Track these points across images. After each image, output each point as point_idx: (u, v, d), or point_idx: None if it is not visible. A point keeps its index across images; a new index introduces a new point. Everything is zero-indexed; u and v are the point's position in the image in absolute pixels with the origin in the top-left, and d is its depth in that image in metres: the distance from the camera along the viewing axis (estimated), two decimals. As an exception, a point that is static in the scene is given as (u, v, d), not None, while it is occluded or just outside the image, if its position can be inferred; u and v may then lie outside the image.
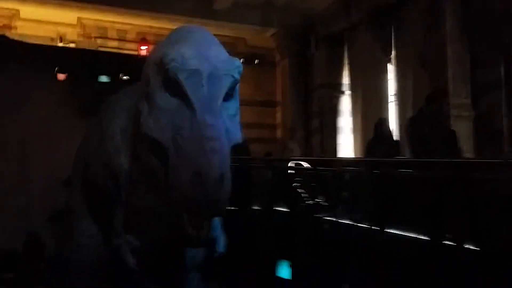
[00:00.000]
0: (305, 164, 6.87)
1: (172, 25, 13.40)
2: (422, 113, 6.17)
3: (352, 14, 11.74)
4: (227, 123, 2.23)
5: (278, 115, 14.15)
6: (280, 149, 10.93)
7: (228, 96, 2.26)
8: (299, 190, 5.92)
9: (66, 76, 9.02)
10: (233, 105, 2.35)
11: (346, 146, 12.52)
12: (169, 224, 2.60)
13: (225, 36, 13.55)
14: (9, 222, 7.49)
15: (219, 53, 2.32)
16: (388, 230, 4.94)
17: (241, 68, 2.30)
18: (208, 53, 2.26)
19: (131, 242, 2.75)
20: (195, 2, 12.16)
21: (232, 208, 6.53)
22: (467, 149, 7.59)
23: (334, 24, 12.47)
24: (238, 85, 2.37)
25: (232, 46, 13.93)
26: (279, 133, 14.00)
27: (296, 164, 6.94)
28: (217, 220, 3.14)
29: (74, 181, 3.55)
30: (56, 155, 7.60)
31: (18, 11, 11.89)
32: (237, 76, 2.26)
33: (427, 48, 8.79)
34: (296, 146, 10.97)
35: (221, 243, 3.14)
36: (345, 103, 12.82)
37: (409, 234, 4.77)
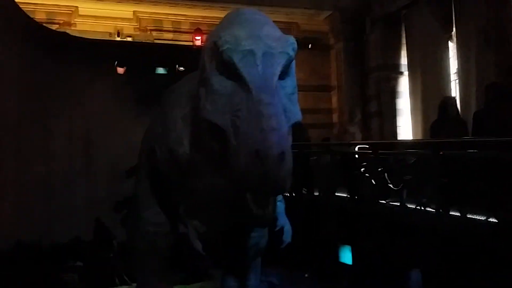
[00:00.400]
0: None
1: (224, 14, 13.47)
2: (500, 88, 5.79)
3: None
4: (285, 102, 2.21)
5: (334, 100, 13.94)
6: (340, 134, 10.68)
7: (284, 75, 2.24)
8: (367, 175, 5.73)
9: (125, 70, 9.26)
10: (290, 84, 2.33)
11: (406, 128, 12.17)
12: (234, 207, 2.62)
13: (278, 21, 13.39)
14: (76, 213, 7.81)
15: (272, 32, 2.28)
16: (454, 213, 4.74)
17: (295, 45, 2.26)
18: (261, 32, 2.23)
19: (198, 228, 2.77)
20: (248, -11, 12.09)
21: (293, 194, 6.49)
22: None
23: (390, 3, 12.08)
24: (294, 63, 2.34)
25: (285, 32, 13.68)
26: (335, 118, 13.80)
27: (360, 148, 6.76)
28: (282, 210, 3.16)
29: (140, 170, 3.63)
30: (118, 147, 7.84)
31: (77, 8, 12.27)
32: (291, 53, 2.23)
33: (491, 24, 8.32)
34: (357, 129, 10.63)
35: (287, 233, 3.12)
36: (404, 84, 12.44)
37: (476, 217, 4.57)
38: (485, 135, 5.25)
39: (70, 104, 8.47)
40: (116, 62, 9.24)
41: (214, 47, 2.21)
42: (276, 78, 2.14)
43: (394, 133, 12.05)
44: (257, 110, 1.98)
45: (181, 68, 9.73)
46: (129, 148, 6.93)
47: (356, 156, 6.59)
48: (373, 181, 5.63)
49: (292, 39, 2.27)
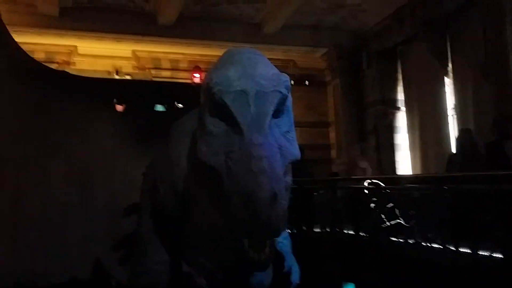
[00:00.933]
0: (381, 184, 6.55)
1: (222, 52, 13.65)
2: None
3: (405, 27, 11.50)
4: (280, 140, 2.16)
5: (332, 135, 13.99)
6: (349, 168, 10.54)
7: (278, 113, 2.19)
8: (378, 211, 5.61)
9: (124, 107, 9.26)
10: (285, 122, 2.27)
11: (404, 163, 12.17)
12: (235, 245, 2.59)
13: (275, 59, 13.63)
14: (73, 252, 7.65)
15: (265, 71, 2.23)
16: (463, 250, 4.65)
17: (288, 83, 2.22)
18: (254, 72, 2.19)
19: (203, 265, 2.70)
20: (244, 27, 12.33)
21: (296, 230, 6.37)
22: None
23: (387, 39, 12.29)
24: (290, 100, 2.30)
25: (282, 69, 13.85)
26: (333, 153, 13.82)
27: (369, 184, 6.63)
28: (289, 249, 3.11)
29: (142, 208, 3.57)
30: (116, 185, 7.75)
31: (76, 47, 12.39)
32: (284, 91, 2.18)
33: (488, 58, 8.44)
34: (367, 164, 10.42)
35: (296, 273, 3.06)
36: (401, 119, 12.51)
37: (485, 253, 4.45)
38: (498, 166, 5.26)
39: (69, 142, 8.43)
40: (115, 100, 9.23)
41: (206, 88, 2.19)
42: (269, 117, 2.10)
43: (393, 168, 12.04)
44: (248, 152, 1.95)
45: (180, 105, 9.74)
46: (127, 186, 6.84)
47: (366, 191, 6.47)
48: (383, 216, 5.49)
49: (285, 77, 2.23)
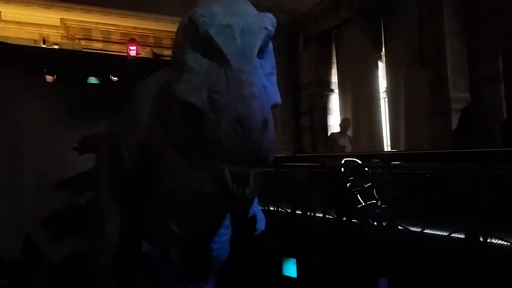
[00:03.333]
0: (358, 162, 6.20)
1: (158, 26, 13.35)
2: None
3: (341, 10, 11.69)
4: (264, 81, 2.07)
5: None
6: (328, 146, 10.40)
7: (262, 53, 2.11)
8: (354, 191, 5.16)
9: (55, 78, 8.78)
10: (269, 63, 2.20)
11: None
12: (209, 205, 2.62)
13: (212, 36, 13.48)
14: (2, 228, 7.23)
15: (249, 10, 2.17)
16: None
17: (274, 21, 2.15)
18: (239, 9, 2.11)
19: (174, 230, 2.61)
20: (182, 2, 11.98)
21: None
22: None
23: (323, 22, 12.44)
24: (271, 45, 2.23)
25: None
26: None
27: (346, 161, 6.41)
28: (255, 199, 3.06)
29: (100, 178, 3.38)
30: (46, 159, 7.37)
31: (-1, 12, 11.57)
32: (271, 28, 2.11)
33: (424, 44, 8.77)
34: (347, 142, 10.12)
35: (261, 220, 3.06)
36: (335, 101, 12.80)
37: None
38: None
39: (-5, 113, 7.87)
40: (45, 70, 8.71)
41: (188, 23, 2.08)
42: (255, 51, 2.02)
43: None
44: (236, 79, 1.87)
45: (114, 78, 9.38)
46: (58, 160, 6.50)
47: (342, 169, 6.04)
48: (360, 198, 5.11)
49: (270, 15, 2.15)
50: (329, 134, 11.50)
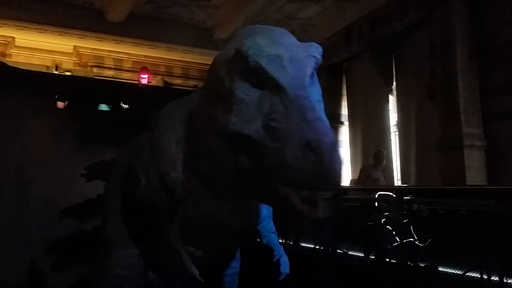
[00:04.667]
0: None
1: (169, 55, 13.50)
2: None
3: (352, 44, 11.77)
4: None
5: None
6: (361, 179, 10.33)
7: (311, 80, 2.11)
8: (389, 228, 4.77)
9: (66, 105, 8.82)
10: (317, 91, 2.19)
11: (345, 177, 12.38)
12: (226, 236, 2.62)
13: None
14: (7, 253, 7.16)
15: (293, 40, 2.22)
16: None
17: (321, 49, 2.17)
18: (284, 40, 2.15)
19: (193, 253, 2.54)
20: (195, 31, 12.18)
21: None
22: (480, 178, 7.52)
23: (334, 55, 12.50)
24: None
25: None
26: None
27: (380, 195, 5.97)
28: (277, 241, 3.05)
29: (109, 205, 3.33)
30: (54, 185, 7.34)
31: (13, 38, 11.70)
32: (318, 56, 2.13)
33: (436, 79, 8.75)
34: (381, 175, 9.86)
35: (285, 264, 2.98)
36: (344, 134, 12.75)
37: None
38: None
39: (4, 140, 7.88)
40: (56, 96, 8.75)
41: (234, 56, 2.08)
42: (307, 78, 2.02)
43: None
44: (296, 105, 1.87)
45: (125, 105, 9.41)
46: (66, 186, 6.45)
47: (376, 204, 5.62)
48: (396, 236, 4.67)
49: (317, 44, 2.19)
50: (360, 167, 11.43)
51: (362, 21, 11.26)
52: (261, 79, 1.99)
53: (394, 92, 10.91)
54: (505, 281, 3.84)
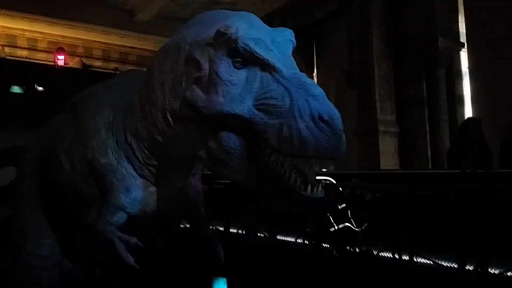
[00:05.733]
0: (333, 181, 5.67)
1: (88, 36, 12.96)
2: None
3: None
4: None
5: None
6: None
7: None
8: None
9: (-26, 86, 8.31)
10: None
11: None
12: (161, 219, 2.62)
13: (145, 49, 13.27)
14: None
15: (266, 25, 2.21)
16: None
17: (293, 34, 2.21)
18: (259, 24, 2.17)
19: (128, 240, 2.49)
20: (115, 13, 11.77)
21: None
22: (393, 163, 7.93)
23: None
24: None
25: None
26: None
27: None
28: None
29: (22, 192, 3.17)
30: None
31: None
32: (294, 40, 2.18)
33: (353, 66, 9.08)
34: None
35: (221, 254, 2.96)
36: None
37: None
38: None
39: None
40: (-37, 77, 8.23)
41: (215, 38, 2.06)
42: (293, 59, 2.08)
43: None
44: (298, 82, 1.90)
45: (40, 88, 8.98)
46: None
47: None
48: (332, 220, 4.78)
49: (289, 30, 2.21)
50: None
51: (285, 9, 11.41)
52: (247, 60, 2.01)
53: (315, 79, 11.19)
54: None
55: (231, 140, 2.01)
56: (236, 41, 1.99)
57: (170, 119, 2.24)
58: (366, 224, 4.41)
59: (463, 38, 8.52)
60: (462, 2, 8.53)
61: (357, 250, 4.43)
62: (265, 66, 1.98)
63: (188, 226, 3.30)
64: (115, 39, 12.67)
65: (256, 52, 1.98)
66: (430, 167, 7.99)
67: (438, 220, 4.02)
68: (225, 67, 2.04)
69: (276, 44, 2.07)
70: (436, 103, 8.31)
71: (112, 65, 12.86)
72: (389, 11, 8.90)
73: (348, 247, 4.50)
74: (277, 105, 1.90)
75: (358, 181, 4.97)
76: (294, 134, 1.84)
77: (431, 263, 3.96)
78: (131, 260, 2.44)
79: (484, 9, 7.55)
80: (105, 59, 13.27)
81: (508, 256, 3.56)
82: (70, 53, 12.12)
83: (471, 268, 3.65)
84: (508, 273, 3.51)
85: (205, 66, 2.09)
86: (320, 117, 1.81)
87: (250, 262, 5.46)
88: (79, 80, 9.31)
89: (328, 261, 4.62)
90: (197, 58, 2.13)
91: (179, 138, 2.27)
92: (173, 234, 3.36)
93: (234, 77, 2.02)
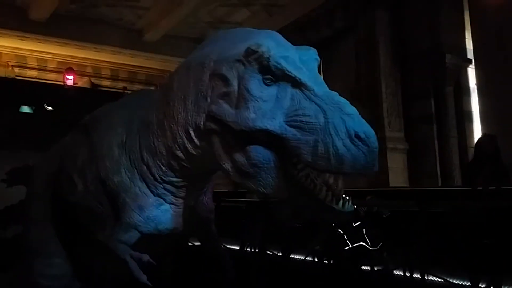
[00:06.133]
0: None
1: (97, 56, 13.09)
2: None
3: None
4: None
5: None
6: None
7: None
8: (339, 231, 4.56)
9: (-15, 106, 8.37)
10: None
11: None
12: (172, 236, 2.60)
13: (153, 68, 13.38)
14: None
15: (289, 43, 2.24)
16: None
17: (317, 52, 2.24)
18: (285, 43, 2.20)
19: (141, 258, 2.47)
20: (123, 32, 11.91)
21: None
22: (402, 180, 7.89)
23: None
24: None
25: (159, 79, 13.70)
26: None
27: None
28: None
29: (32, 211, 3.18)
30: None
31: None
32: (318, 58, 2.21)
33: (361, 83, 9.10)
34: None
35: (231, 268, 2.97)
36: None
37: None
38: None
39: None
40: (-27, 97, 8.30)
41: (245, 56, 2.09)
42: (321, 77, 2.11)
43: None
44: (331, 100, 1.92)
45: (49, 107, 9.04)
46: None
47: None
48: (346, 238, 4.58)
49: (313, 48, 2.24)
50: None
51: (292, 27, 11.49)
52: (278, 77, 2.03)
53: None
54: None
55: (260, 154, 2.02)
56: (268, 59, 2.02)
57: (193, 134, 2.25)
58: (381, 243, 4.34)
59: (470, 55, 8.51)
60: (468, 19, 8.56)
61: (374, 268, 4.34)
62: (296, 83, 2.00)
63: (197, 243, 3.28)
64: (123, 58, 12.80)
65: (287, 70, 2.00)
66: (439, 183, 7.94)
67: (450, 238, 4.00)
68: (255, 84, 2.06)
69: (304, 62, 2.09)
70: (444, 120, 8.31)
71: (121, 84, 12.96)
72: (396, 28, 8.97)
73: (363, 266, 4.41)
74: (311, 122, 1.91)
75: (374, 198, 4.92)
76: (331, 151, 1.86)
77: (443, 281, 3.95)
78: (144, 278, 2.42)
79: (491, 25, 7.55)
80: (114, 78, 13.39)
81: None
82: (79, 73, 12.24)
83: (483, 286, 3.65)
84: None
85: (234, 82, 2.11)
86: (357, 135, 1.84)
87: (261, 280, 5.37)
88: (88, 99, 9.38)
89: (340, 279, 4.59)
90: (224, 73, 2.14)
91: (201, 152, 2.28)
92: (182, 251, 3.34)
93: (264, 93, 2.04)
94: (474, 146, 5.96)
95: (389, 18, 8.98)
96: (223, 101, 2.12)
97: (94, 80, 12.96)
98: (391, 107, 8.47)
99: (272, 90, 2.04)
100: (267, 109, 2.01)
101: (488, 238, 3.67)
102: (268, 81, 2.05)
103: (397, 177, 8.16)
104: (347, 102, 1.96)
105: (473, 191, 4.65)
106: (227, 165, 2.13)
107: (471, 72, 8.58)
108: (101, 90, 12.75)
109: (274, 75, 2.03)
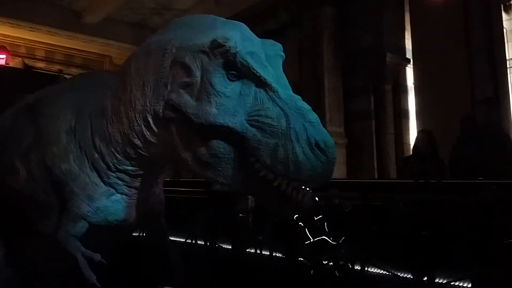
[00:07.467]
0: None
1: (32, 36, 12.48)
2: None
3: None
4: None
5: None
6: None
7: None
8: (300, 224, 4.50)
9: None
10: None
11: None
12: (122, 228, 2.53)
13: (91, 52, 12.94)
14: None
15: (254, 35, 2.20)
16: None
17: (282, 47, 2.23)
18: (250, 35, 2.16)
19: (91, 256, 2.35)
20: (62, 12, 11.40)
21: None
22: (341, 174, 8.04)
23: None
24: None
25: (98, 63, 13.30)
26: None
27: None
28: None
29: None
30: None
31: None
32: (283, 54, 2.20)
33: (304, 78, 9.19)
34: None
35: (181, 276, 2.89)
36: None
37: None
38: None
39: None
40: None
41: (210, 48, 2.03)
42: (285, 77, 2.10)
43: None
44: (294, 105, 1.92)
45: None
46: None
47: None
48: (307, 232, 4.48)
49: (278, 43, 2.23)
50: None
51: (237, 18, 11.35)
52: (243, 74, 2.00)
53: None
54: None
55: (220, 145, 2.00)
56: (235, 55, 1.99)
57: (151, 121, 2.19)
58: (343, 237, 4.30)
59: (409, 54, 8.81)
60: (408, 19, 8.84)
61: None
62: (261, 83, 1.98)
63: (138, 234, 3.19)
64: (60, 40, 12.27)
65: (253, 69, 1.98)
66: (376, 177, 8.19)
67: (390, 230, 4.13)
68: (219, 78, 2.02)
69: (269, 58, 2.08)
70: (382, 116, 8.57)
71: (56, 67, 12.45)
72: (340, 25, 9.11)
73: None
74: (273, 125, 1.91)
75: (336, 191, 4.88)
76: (290, 157, 1.87)
77: (385, 273, 4.07)
78: (93, 278, 2.33)
79: (429, 26, 7.83)
80: (49, 60, 12.83)
81: (456, 266, 3.69)
82: (12, 53, 11.66)
83: (424, 278, 3.79)
84: (456, 283, 3.66)
85: (197, 73, 2.06)
86: (317, 144, 1.86)
87: (209, 273, 5.27)
88: (21, 80, 8.96)
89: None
90: (187, 63, 2.08)
91: (160, 140, 2.22)
92: (123, 243, 3.23)
93: (228, 89, 2.01)
94: (412, 142, 6.19)
95: (334, 14, 9.11)
96: (184, 91, 2.07)
97: (27, 61, 12.36)
98: (332, 102, 8.63)
99: (236, 86, 2.01)
100: (229, 105, 1.99)
101: (427, 230, 3.82)
102: (232, 76, 2.02)
103: (337, 171, 8.27)
104: (310, 108, 1.97)
105: (414, 185, 4.81)
106: (186, 155, 2.09)
107: (409, 71, 8.86)
108: (35, 71, 12.19)
109: (239, 71, 2.00)
